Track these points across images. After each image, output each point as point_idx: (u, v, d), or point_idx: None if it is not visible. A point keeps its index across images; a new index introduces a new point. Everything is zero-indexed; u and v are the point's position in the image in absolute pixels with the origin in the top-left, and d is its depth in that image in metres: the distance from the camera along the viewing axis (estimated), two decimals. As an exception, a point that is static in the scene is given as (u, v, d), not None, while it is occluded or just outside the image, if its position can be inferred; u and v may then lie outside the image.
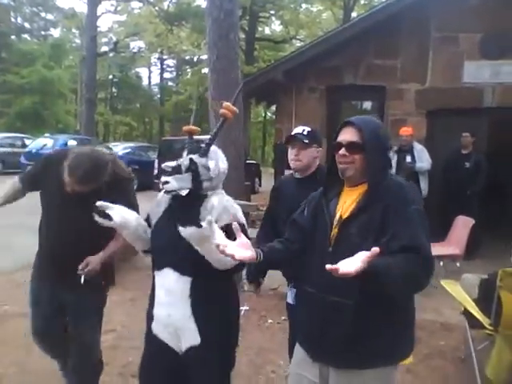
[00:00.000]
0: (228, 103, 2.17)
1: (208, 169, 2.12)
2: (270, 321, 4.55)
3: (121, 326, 4.40)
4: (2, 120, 28.04)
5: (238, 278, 5.17)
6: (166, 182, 2.06)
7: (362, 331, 1.74)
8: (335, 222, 1.85)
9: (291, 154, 2.81)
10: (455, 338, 4.25)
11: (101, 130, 37.38)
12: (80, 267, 2.54)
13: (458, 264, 5.67)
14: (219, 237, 1.76)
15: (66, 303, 2.77)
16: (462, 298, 3.77)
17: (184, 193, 2.08)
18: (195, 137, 2.28)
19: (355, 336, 1.74)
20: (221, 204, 2.13)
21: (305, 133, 2.80)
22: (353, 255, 1.58)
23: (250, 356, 3.84)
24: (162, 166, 2.20)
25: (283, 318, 4.50)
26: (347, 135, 1.85)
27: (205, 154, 2.14)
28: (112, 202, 2.19)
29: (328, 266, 1.50)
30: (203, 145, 2.17)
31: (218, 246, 1.69)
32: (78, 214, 2.52)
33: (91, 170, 2.41)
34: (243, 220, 2.18)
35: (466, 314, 3.69)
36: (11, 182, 2.85)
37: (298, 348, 1.99)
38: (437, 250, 5.64)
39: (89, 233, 2.51)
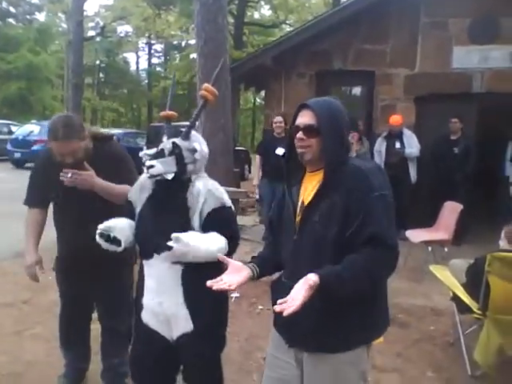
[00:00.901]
0: (207, 84, 2.14)
1: (193, 151, 2.09)
2: (260, 307, 4.55)
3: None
4: (-13, 106, 27.71)
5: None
6: (151, 166, 2.03)
7: (330, 316, 1.72)
8: (298, 209, 1.82)
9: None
10: (444, 322, 4.28)
11: (88, 116, 36.97)
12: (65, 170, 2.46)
13: (446, 249, 5.70)
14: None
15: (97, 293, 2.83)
16: (451, 283, 3.80)
17: (170, 177, 2.06)
18: (179, 123, 2.26)
19: (324, 321, 1.73)
20: (205, 188, 2.11)
21: None
22: (317, 244, 1.71)
23: (240, 342, 3.84)
24: (140, 154, 2.17)
25: (273, 304, 4.52)
26: (304, 118, 1.80)
27: (187, 136, 2.12)
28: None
29: (279, 302, 1.55)
30: (183, 128, 2.14)
31: (211, 286, 1.69)
32: (84, 200, 2.55)
33: (66, 124, 2.45)
34: (229, 203, 2.16)
35: (455, 298, 3.72)
36: (25, 219, 2.77)
37: (274, 331, 1.98)
38: (425, 235, 5.68)
39: (102, 213, 2.45)
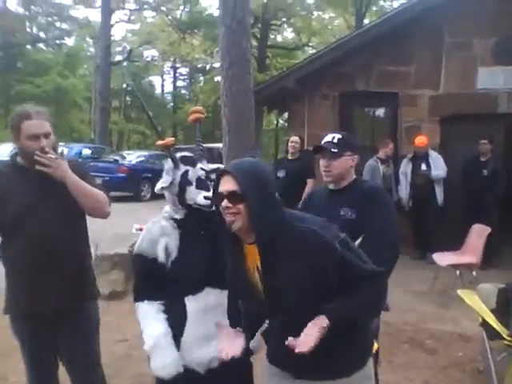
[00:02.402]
0: (193, 108, 2.28)
1: (215, 171, 2.16)
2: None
3: (132, 336, 4.36)
4: (17, 129, 28.35)
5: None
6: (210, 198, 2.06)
7: (336, 347, 1.72)
8: (258, 282, 1.75)
9: (322, 165, 2.58)
10: (473, 349, 4.16)
11: (115, 138, 37.60)
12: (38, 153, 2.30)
13: (474, 273, 5.57)
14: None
15: (61, 338, 2.54)
16: (480, 309, 3.69)
17: None
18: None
19: (330, 353, 1.73)
20: None
21: (335, 140, 2.54)
22: (289, 311, 1.71)
23: (263, 368, 3.79)
24: (156, 189, 2.17)
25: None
26: (226, 185, 1.67)
27: (203, 159, 2.18)
28: None
29: (290, 340, 1.60)
30: (192, 154, 2.18)
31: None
32: (52, 212, 2.39)
33: (37, 108, 2.43)
34: None
35: (484, 324, 3.61)
36: None
37: (270, 367, 1.96)
38: (453, 258, 5.57)
39: (69, 235, 2.43)
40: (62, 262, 2.38)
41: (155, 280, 2.11)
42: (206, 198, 2.08)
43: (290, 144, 6.73)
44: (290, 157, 6.70)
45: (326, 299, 1.67)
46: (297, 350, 1.57)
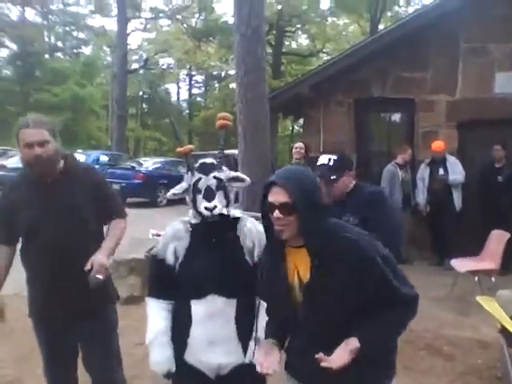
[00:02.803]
0: (221, 113, 2.25)
1: (235, 179, 2.18)
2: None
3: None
4: (35, 137, 28.73)
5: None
6: (215, 207, 2.08)
7: (362, 368, 1.72)
8: (295, 287, 1.78)
9: (321, 186, 2.69)
10: (492, 355, 4.11)
11: (131, 145, 37.93)
12: (87, 268, 2.32)
13: (493, 279, 5.51)
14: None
15: (81, 336, 2.60)
16: (499, 315, 3.65)
17: (226, 211, 2.13)
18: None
19: (354, 372, 1.71)
20: (255, 228, 2.16)
21: (331, 163, 2.62)
22: (325, 319, 1.72)
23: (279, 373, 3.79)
24: (168, 195, 2.24)
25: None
26: (277, 196, 1.69)
27: (221, 168, 2.17)
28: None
29: (321, 355, 1.63)
30: (208, 160, 2.19)
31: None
32: (62, 221, 2.44)
33: (37, 116, 2.47)
34: None
35: (503, 331, 3.57)
36: None
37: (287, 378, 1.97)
38: (471, 264, 5.52)
39: (81, 243, 2.48)
40: (75, 269, 2.40)
41: (164, 280, 2.19)
42: (206, 208, 2.08)
43: (294, 150, 6.74)
44: (295, 162, 6.68)
45: (360, 314, 1.70)
46: (324, 364, 1.60)
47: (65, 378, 2.68)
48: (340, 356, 1.64)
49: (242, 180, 2.20)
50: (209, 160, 2.20)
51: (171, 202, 13.58)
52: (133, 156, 28.18)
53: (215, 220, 2.11)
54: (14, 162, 16.64)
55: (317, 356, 1.63)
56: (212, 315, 2.11)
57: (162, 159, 18.23)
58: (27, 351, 3.88)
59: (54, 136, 2.46)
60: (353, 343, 1.66)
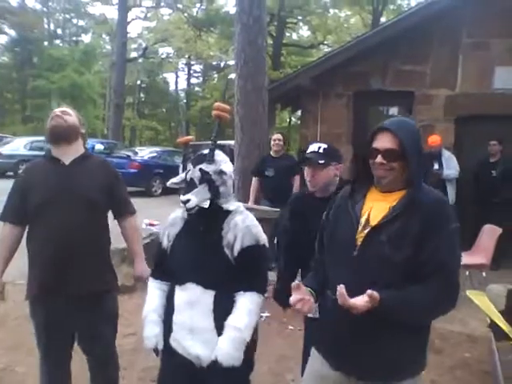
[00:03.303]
0: (218, 103, 2.20)
1: (221, 173, 2.12)
2: (290, 327, 4.52)
3: (142, 329, 4.40)
4: (31, 124, 28.64)
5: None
6: (187, 201, 2.06)
7: (387, 343, 1.70)
8: (361, 227, 1.77)
9: (307, 174, 2.66)
10: (480, 349, 4.14)
11: (127, 134, 37.81)
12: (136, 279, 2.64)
13: (484, 274, 5.54)
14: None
15: (79, 320, 2.62)
16: (489, 310, 3.67)
17: (206, 205, 2.08)
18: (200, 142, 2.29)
19: (380, 347, 1.71)
20: (244, 223, 2.13)
21: (321, 151, 2.61)
22: (382, 265, 1.67)
23: (270, 364, 3.80)
24: (168, 184, 2.25)
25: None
26: (384, 142, 1.75)
27: (212, 159, 2.13)
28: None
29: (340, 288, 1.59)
30: (205, 151, 2.15)
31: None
32: (73, 210, 2.50)
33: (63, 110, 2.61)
34: (265, 241, 2.17)
35: (492, 325, 3.60)
36: None
37: (313, 358, 1.95)
38: (463, 259, 5.51)
39: (90, 226, 2.56)
40: (79, 254, 2.48)
41: (160, 262, 2.30)
42: (181, 201, 2.08)
43: (273, 142, 6.61)
44: (274, 155, 6.60)
45: (403, 277, 1.66)
46: (340, 301, 1.60)
47: (59, 362, 2.69)
48: (359, 299, 1.60)
49: (226, 174, 2.13)
50: (205, 151, 2.17)
51: (166, 192, 13.61)
52: (128, 145, 28.13)
53: (201, 211, 2.09)
54: (9, 149, 16.66)
55: (338, 288, 1.60)
56: (192, 304, 2.11)
57: (157, 149, 18.19)
58: (20, 339, 3.90)
59: (81, 123, 2.66)
60: (375, 295, 1.59)
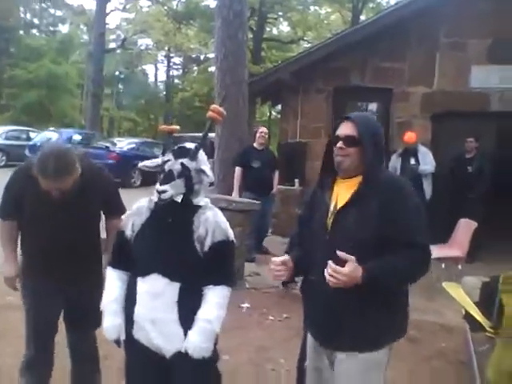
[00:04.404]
0: (214, 105, 2.18)
1: (200, 172, 2.11)
2: (270, 318, 4.55)
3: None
4: (8, 113, 28.05)
5: (239, 276, 5.18)
6: (164, 191, 2.03)
7: (363, 315, 1.86)
8: (330, 212, 1.95)
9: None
10: (456, 340, 4.24)
11: (105, 125, 37.35)
12: None
13: (459, 267, 5.67)
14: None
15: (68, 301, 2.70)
16: (464, 301, 3.77)
17: (179, 199, 2.07)
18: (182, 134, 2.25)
19: (356, 320, 1.87)
20: (214, 218, 2.13)
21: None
22: (351, 245, 1.83)
23: (250, 354, 3.83)
24: (139, 165, 2.24)
25: (284, 315, 4.51)
26: (345, 129, 1.96)
27: (195, 157, 2.11)
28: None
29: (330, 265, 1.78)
30: (188, 146, 2.14)
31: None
32: (67, 218, 2.53)
33: (59, 162, 2.35)
34: (233, 237, 2.18)
35: (467, 316, 3.69)
36: None
37: (309, 338, 2.12)
38: (439, 252, 5.64)
39: (82, 234, 2.60)
40: (71, 255, 2.57)
41: (121, 252, 2.24)
42: (157, 190, 2.06)
43: (259, 134, 6.71)
44: (258, 147, 6.70)
45: (377, 251, 1.81)
46: (328, 279, 1.78)
47: (44, 343, 2.73)
48: (339, 273, 1.76)
49: (207, 176, 2.11)
50: (189, 145, 2.15)
51: (144, 183, 13.51)
52: (107, 136, 27.78)
53: (171, 203, 2.07)
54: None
55: (329, 262, 1.77)
56: (155, 295, 2.09)
57: (136, 140, 18.05)
58: (2, 329, 3.85)
59: (75, 171, 2.42)
60: (357, 270, 1.77)
